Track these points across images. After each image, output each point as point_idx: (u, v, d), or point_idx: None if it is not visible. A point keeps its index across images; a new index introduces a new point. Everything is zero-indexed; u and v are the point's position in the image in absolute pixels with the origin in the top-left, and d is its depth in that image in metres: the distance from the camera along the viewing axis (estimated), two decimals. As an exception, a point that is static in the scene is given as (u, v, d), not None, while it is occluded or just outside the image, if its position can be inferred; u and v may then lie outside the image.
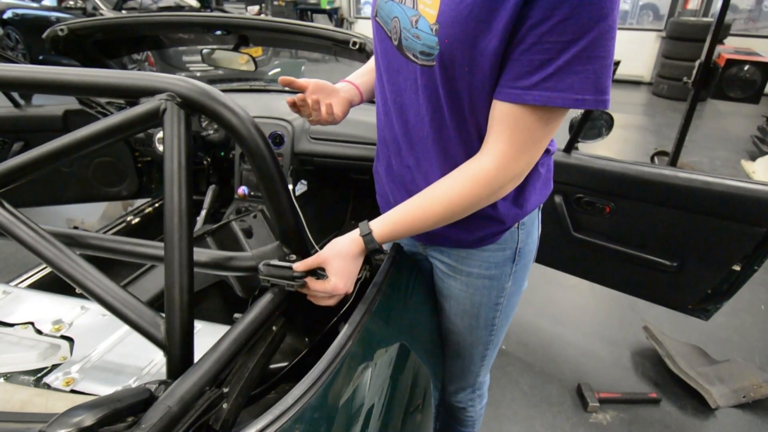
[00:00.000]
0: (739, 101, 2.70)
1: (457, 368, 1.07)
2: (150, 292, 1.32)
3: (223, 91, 2.01)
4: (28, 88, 0.65)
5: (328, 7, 7.91)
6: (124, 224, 1.92)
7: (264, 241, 1.50)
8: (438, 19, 0.63)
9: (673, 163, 3.22)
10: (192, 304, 0.62)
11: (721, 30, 2.71)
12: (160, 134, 1.78)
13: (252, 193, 1.75)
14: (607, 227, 1.62)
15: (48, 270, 1.51)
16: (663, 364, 1.87)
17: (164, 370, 0.78)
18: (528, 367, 1.91)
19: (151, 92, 0.62)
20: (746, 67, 2.62)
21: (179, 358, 0.62)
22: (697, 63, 2.70)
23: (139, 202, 2.17)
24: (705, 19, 5.69)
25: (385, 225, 0.74)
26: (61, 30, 1.41)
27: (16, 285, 1.42)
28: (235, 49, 1.55)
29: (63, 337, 0.83)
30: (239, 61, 1.55)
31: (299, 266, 0.72)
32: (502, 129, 0.66)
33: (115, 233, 1.86)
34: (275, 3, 8.07)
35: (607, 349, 2.01)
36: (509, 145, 0.66)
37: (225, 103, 0.64)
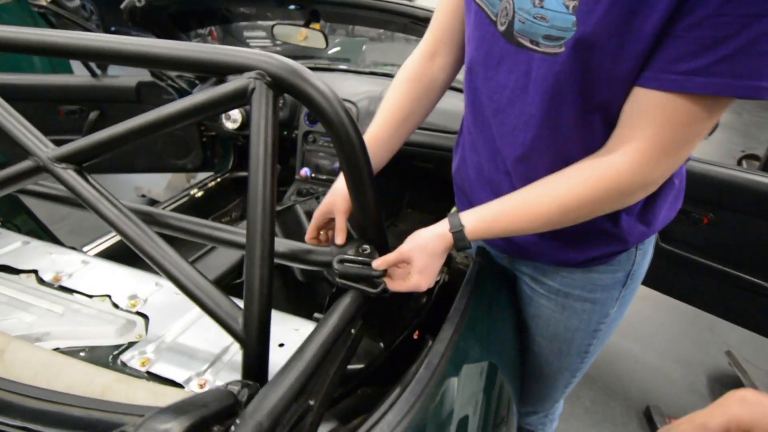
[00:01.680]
0: None
1: (535, 392, 0.98)
2: (213, 272, 1.32)
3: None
4: (117, 60, 0.63)
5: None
6: (188, 198, 1.95)
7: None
8: None
9: (765, 168, 2.91)
10: (271, 297, 0.59)
11: None
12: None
13: (314, 175, 1.72)
14: (702, 240, 1.46)
15: (119, 238, 1.55)
16: (745, 395, 1.70)
17: (236, 358, 0.76)
18: (591, 382, 1.79)
19: (239, 69, 0.58)
20: None
21: (256, 352, 0.59)
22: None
23: (202, 175, 2.21)
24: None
25: (479, 221, 0.65)
26: (139, 1, 1.41)
27: (90, 252, 1.47)
28: (306, 24, 1.50)
29: (138, 313, 0.83)
30: (311, 37, 1.50)
31: (379, 263, 0.66)
32: (646, 124, 0.54)
33: (180, 205, 1.89)
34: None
35: (680, 371, 1.85)
36: (653, 143, 0.54)
37: (316, 85, 0.59)
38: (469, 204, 0.82)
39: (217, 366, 0.74)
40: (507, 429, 0.72)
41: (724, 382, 1.80)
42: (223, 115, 1.77)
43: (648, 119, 0.54)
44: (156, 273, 1.01)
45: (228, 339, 0.79)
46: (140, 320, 0.82)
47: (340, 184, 0.74)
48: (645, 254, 0.76)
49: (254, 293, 0.57)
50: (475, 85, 0.71)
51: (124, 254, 1.50)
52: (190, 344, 0.77)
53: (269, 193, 0.58)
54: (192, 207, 1.98)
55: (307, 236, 0.78)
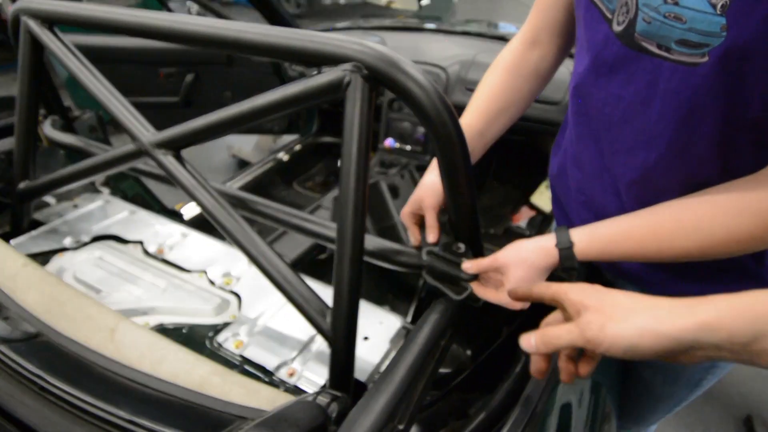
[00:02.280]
0: None
1: (634, 413, 0.90)
2: (292, 252, 1.36)
3: (373, 28, 1.88)
4: (210, 45, 0.63)
5: None
6: (275, 161, 2.01)
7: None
8: None
9: None
10: (358, 298, 0.58)
11: None
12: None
13: (398, 146, 1.67)
14: None
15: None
16: None
17: (323, 348, 0.77)
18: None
19: (335, 60, 0.54)
20: None
21: (343, 352, 0.59)
22: None
23: (287, 137, 2.25)
24: None
25: (593, 241, 0.56)
26: None
27: (188, 213, 1.57)
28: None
29: (232, 292, 0.86)
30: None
31: (471, 267, 0.61)
32: None
33: (269, 169, 1.95)
34: None
35: None
36: None
37: (417, 80, 0.53)
38: (566, 218, 0.74)
39: (305, 355, 0.75)
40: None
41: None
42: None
43: None
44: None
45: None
46: (234, 299, 0.85)
47: (430, 178, 0.69)
48: None
49: (343, 292, 0.57)
50: (581, 93, 0.61)
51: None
52: (278, 330, 0.79)
53: (361, 194, 0.56)
54: (279, 171, 2.04)
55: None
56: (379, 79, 0.53)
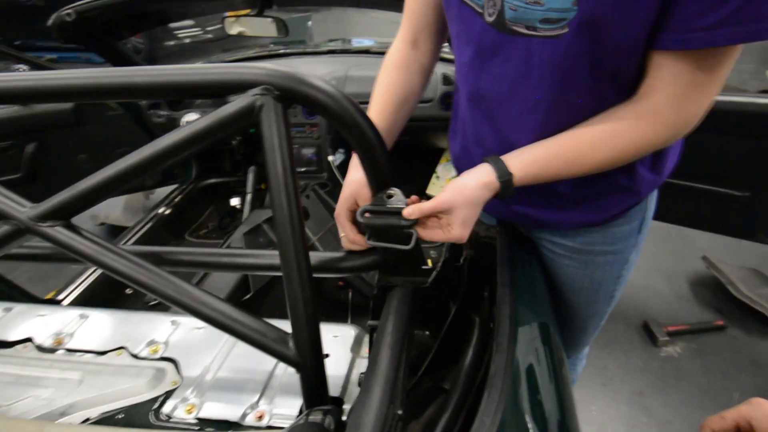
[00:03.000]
0: None
1: (570, 340, 1.01)
2: (219, 294, 1.27)
3: (241, 60, 1.86)
4: (95, 96, 0.56)
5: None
6: (157, 218, 1.83)
7: (322, 221, 1.42)
8: None
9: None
10: (318, 314, 0.57)
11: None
12: (186, 117, 1.65)
13: (303, 170, 1.67)
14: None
15: (92, 279, 1.45)
16: (723, 291, 1.85)
17: (286, 379, 0.73)
18: (589, 311, 1.91)
19: (241, 87, 0.54)
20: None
21: (314, 373, 0.57)
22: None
23: (162, 191, 2.08)
24: None
25: (529, 167, 0.61)
26: (68, 15, 1.26)
27: (66, 299, 1.35)
28: (260, 13, 1.40)
29: (164, 359, 0.77)
30: (269, 26, 1.41)
31: (413, 212, 0.59)
32: (677, 75, 0.54)
33: (151, 228, 1.78)
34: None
35: (666, 283, 1.99)
36: (688, 87, 0.54)
37: (326, 90, 0.56)
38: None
39: (268, 393, 0.71)
40: (567, 384, 0.75)
41: (705, 285, 1.96)
42: (183, 122, 1.66)
43: (678, 71, 0.54)
44: (164, 311, 0.95)
45: (269, 363, 0.76)
46: (169, 366, 0.76)
47: (354, 174, 0.70)
48: (653, 200, 0.79)
49: (300, 313, 0.55)
50: (470, 80, 0.69)
51: (105, 294, 1.40)
52: (232, 377, 0.73)
53: (295, 209, 0.55)
54: (164, 227, 1.87)
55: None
56: (291, 97, 0.54)
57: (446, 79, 1.56)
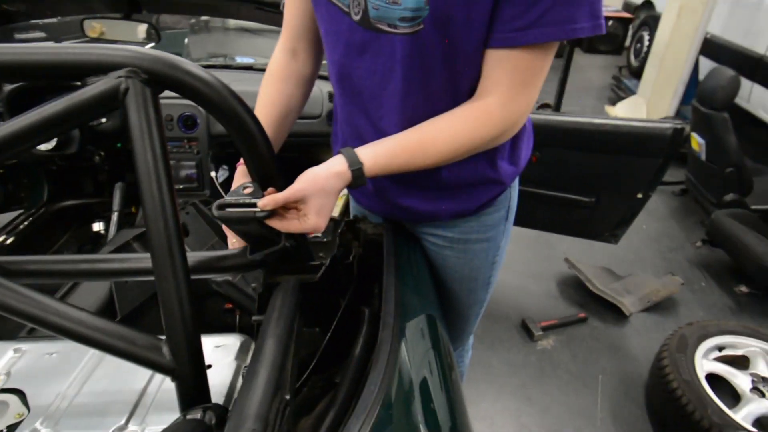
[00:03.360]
0: (607, 53, 3.09)
1: (455, 331, 1.07)
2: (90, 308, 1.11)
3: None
4: None
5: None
6: None
7: (204, 238, 1.33)
8: None
9: (557, 110, 3.58)
10: (196, 316, 0.54)
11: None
12: None
13: (182, 187, 1.54)
14: (534, 175, 1.75)
15: None
16: (583, 287, 2.13)
17: (160, 396, 0.67)
18: (476, 315, 2.05)
19: (103, 69, 0.49)
20: (610, 23, 2.99)
21: (193, 379, 0.54)
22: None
23: (3, 217, 1.77)
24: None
25: (378, 158, 0.65)
26: None
27: None
28: (127, 17, 1.31)
29: (7, 390, 0.66)
30: (136, 32, 1.32)
31: (266, 203, 0.57)
32: (502, 74, 0.64)
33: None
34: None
35: (537, 284, 2.22)
36: (511, 87, 0.65)
37: (202, 77, 0.53)
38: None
39: (139, 413, 0.64)
40: (455, 374, 0.79)
41: (569, 283, 2.23)
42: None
43: (503, 69, 0.64)
44: (7, 339, 0.81)
45: (140, 380, 0.69)
46: (12, 397, 0.65)
47: (241, 168, 0.71)
48: (515, 189, 0.90)
49: (176, 317, 0.52)
50: (342, 77, 0.73)
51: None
52: (94, 401, 0.65)
53: (170, 203, 0.52)
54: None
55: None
56: (161, 82, 0.51)
57: (332, 97, 1.60)
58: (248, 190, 0.60)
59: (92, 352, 0.73)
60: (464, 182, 0.79)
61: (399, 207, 0.85)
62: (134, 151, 0.50)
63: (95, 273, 0.62)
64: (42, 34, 3.39)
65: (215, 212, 0.59)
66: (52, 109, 0.49)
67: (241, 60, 2.09)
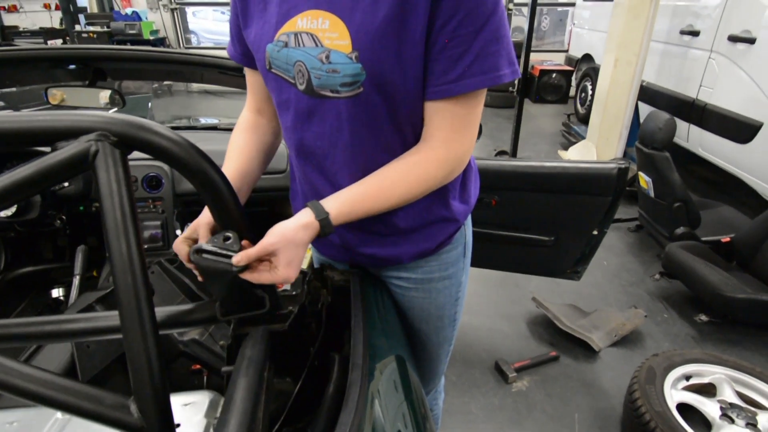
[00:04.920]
0: (553, 103, 3.34)
1: (426, 372, 1.08)
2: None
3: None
4: None
5: (151, 38, 7.23)
6: None
7: (169, 296, 1.31)
8: (354, 47, 0.65)
9: (514, 155, 3.78)
10: (165, 372, 0.54)
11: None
12: None
13: (147, 247, 1.51)
14: (495, 218, 1.83)
15: None
16: (553, 326, 2.17)
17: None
18: (451, 359, 2.03)
19: (74, 133, 0.52)
20: (554, 75, 3.26)
21: None
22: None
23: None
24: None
25: (342, 206, 0.69)
26: None
27: None
28: (92, 84, 1.34)
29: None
30: (98, 98, 1.35)
31: (239, 258, 0.60)
32: (442, 121, 0.71)
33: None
34: (84, 35, 7.07)
35: (508, 325, 2.25)
36: (452, 131, 0.72)
37: (169, 137, 0.57)
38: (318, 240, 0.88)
39: None
40: (426, 412, 0.79)
41: (538, 322, 2.26)
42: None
43: (442, 118, 0.71)
44: None
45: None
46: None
47: (204, 213, 0.71)
48: (469, 227, 0.96)
49: (144, 373, 0.51)
50: (295, 141, 0.79)
51: None
52: None
53: (138, 261, 0.53)
54: None
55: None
56: (130, 143, 0.53)
57: None
58: (229, 241, 0.62)
59: (54, 419, 0.70)
60: (421, 224, 0.84)
61: (362, 255, 0.88)
62: (103, 211, 0.52)
63: (61, 334, 0.61)
64: (1, 103, 3.36)
65: (192, 256, 0.61)
66: (23, 173, 0.51)
67: (205, 121, 2.15)
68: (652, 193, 2.63)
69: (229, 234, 0.62)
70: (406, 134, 0.75)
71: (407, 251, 0.88)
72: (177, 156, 0.56)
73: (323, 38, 0.67)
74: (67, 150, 0.51)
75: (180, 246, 0.69)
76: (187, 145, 0.58)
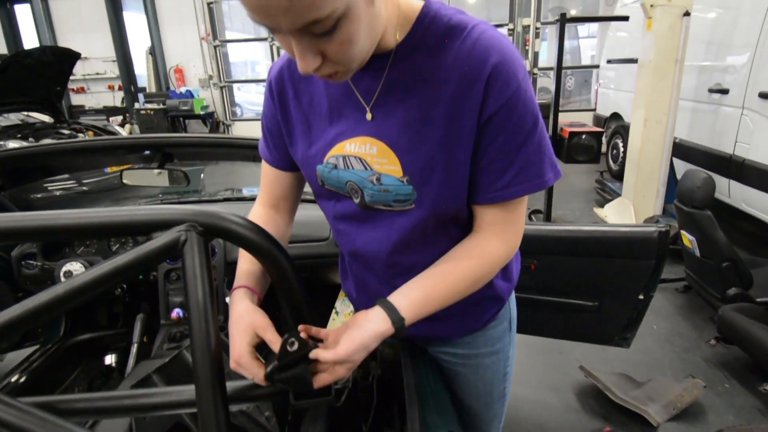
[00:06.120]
0: (586, 163, 3.37)
1: None
2: None
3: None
4: (17, 238, 0.58)
5: (201, 112, 7.88)
6: (8, 388, 1.54)
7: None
8: (405, 172, 0.70)
9: (547, 218, 3.76)
10: None
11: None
12: (66, 267, 1.55)
13: (186, 315, 1.58)
14: (535, 282, 1.81)
15: None
16: (604, 397, 2.05)
17: None
18: None
19: (168, 225, 0.61)
20: (584, 136, 3.32)
21: None
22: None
23: (13, 356, 1.77)
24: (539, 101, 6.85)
25: (414, 309, 0.71)
26: None
27: None
28: (161, 166, 1.49)
29: None
30: (161, 178, 1.49)
31: (321, 381, 0.64)
32: (493, 218, 0.74)
33: None
34: (142, 112, 7.79)
35: (555, 396, 2.14)
36: (503, 225, 0.75)
37: (241, 223, 0.66)
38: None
39: None
40: None
41: (588, 393, 2.14)
42: (61, 270, 1.53)
43: (493, 216, 0.74)
44: None
45: None
46: None
47: (242, 306, 0.71)
48: (513, 302, 0.97)
49: None
50: (347, 243, 0.84)
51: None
52: None
53: (214, 341, 0.59)
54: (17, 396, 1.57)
55: (242, 362, 0.67)
56: (213, 232, 0.62)
57: None
58: (293, 347, 0.63)
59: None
60: (466, 305, 0.85)
61: (412, 334, 0.90)
62: (187, 292, 0.59)
63: (137, 408, 0.65)
64: (67, 174, 3.69)
65: (276, 380, 0.63)
66: (124, 259, 0.58)
67: (246, 191, 2.31)
68: (697, 253, 2.54)
69: (292, 339, 0.63)
70: (452, 232, 0.79)
71: (454, 330, 0.89)
72: (251, 240, 0.65)
73: (372, 162, 0.71)
74: (162, 239, 0.59)
75: (250, 365, 0.66)
76: (260, 232, 0.65)
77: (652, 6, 3.32)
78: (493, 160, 0.69)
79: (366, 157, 0.72)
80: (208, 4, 7.95)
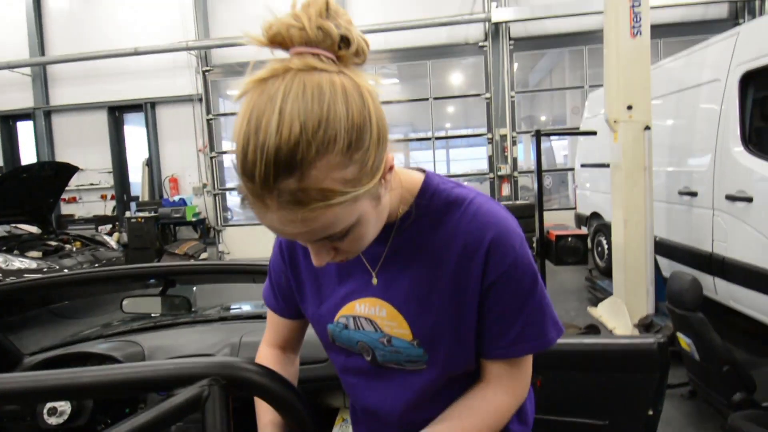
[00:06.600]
0: (575, 264, 3.48)
1: None
2: None
3: (127, 332, 1.81)
4: (37, 398, 0.58)
5: (193, 219, 8.03)
6: None
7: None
8: (415, 336, 0.73)
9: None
10: None
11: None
12: (50, 404, 1.47)
13: None
14: (543, 400, 1.76)
15: None
16: None
17: None
18: None
19: (191, 380, 0.60)
20: (570, 239, 3.47)
21: None
22: (534, 239, 3.45)
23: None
24: (519, 202, 7.17)
25: None
26: None
27: None
28: (163, 293, 1.51)
29: None
30: (171, 304, 1.50)
31: None
32: (500, 371, 0.77)
33: None
34: (132, 221, 7.89)
35: None
36: (510, 377, 0.77)
37: (261, 372, 0.66)
38: None
39: None
40: None
41: None
42: (46, 411, 1.45)
43: (499, 369, 0.77)
44: None
45: None
46: None
47: (267, 419, 0.76)
48: None
49: None
50: (358, 397, 0.85)
51: None
52: None
53: None
54: None
55: None
56: (236, 386, 0.61)
57: None
58: None
59: None
60: None
61: None
62: None
63: None
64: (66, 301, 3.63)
65: None
66: (145, 418, 0.56)
67: (237, 307, 2.29)
68: (696, 356, 2.52)
69: None
70: (465, 384, 0.80)
71: None
72: (271, 391, 0.66)
73: (382, 325, 0.74)
74: (183, 395, 0.58)
75: None
76: (277, 380, 0.67)
77: (615, 122, 3.69)
78: (496, 322, 0.72)
79: (376, 319, 0.75)
80: (208, 120, 8.53)
